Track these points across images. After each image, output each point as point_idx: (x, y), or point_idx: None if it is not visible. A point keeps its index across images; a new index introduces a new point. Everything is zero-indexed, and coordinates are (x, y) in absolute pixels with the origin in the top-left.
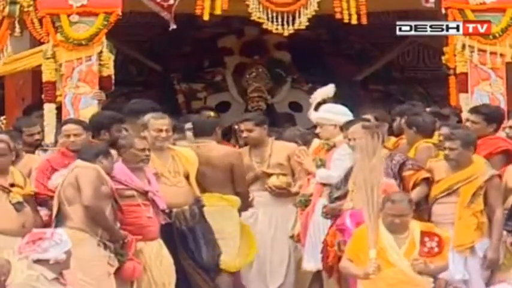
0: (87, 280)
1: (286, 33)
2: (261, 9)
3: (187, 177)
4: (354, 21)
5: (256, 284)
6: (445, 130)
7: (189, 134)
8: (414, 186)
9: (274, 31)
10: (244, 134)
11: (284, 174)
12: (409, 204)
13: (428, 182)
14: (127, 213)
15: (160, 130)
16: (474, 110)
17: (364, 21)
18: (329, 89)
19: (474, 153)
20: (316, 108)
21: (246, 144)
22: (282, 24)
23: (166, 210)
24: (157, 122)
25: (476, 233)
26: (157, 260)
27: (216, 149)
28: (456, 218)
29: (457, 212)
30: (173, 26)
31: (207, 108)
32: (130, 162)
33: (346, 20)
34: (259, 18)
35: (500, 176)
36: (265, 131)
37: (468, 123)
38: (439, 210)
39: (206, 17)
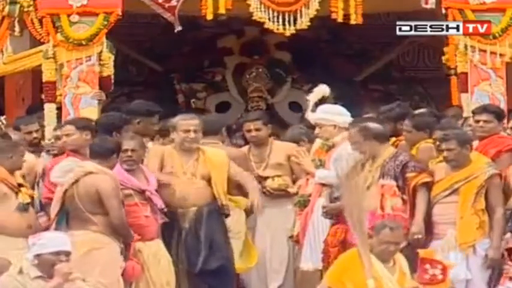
0: (103, 282)
1: (288, 33)
2: (262, 9)
3: (209, 179)
4: (353, 21)
5: (256, 284)
6: (438, 133)
7: None
8: (414, 188)
9: (275, 31)
10: (253, 133)
11: (279, 176)
12: (402, 232)
13: (428, 186)
14: (126, 214)
15: (188, 131)
16: (484, 110)
17: (359, 21)
18: (323, 89)
19: (472, 151)
20: (314, 109)
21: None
22: (284, 24)
23: (165, 209)
24: (185, 122)
25: (479, 232)
26: (155, 260)
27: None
28: (458, 217)
29: (458, 212)
30: (178, 28)
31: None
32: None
33: (340, 20)
34: (260, 18)
35: (500, 175)
36: (269, 131)
37: (480, 123)
38: (439, 210)
39: (210, 17)
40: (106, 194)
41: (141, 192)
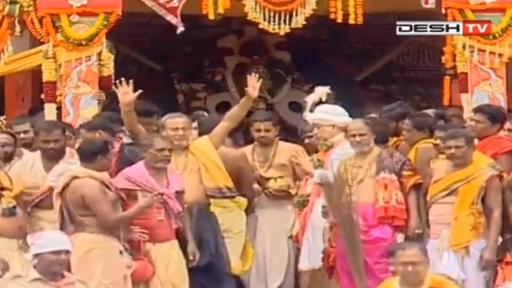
0: (104, 283)
1: (282, 33)
2: (258, 9)
3: (200, 174)
4: (352, 21)
5: (256, 284)
6: (439, 133)
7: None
8: (410, 188)
9: (271, 31)
10: (262, 134)
11: (281, 177)
12: (420, 251)
13: (419, 187)
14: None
15: (176, 129)
16: (478, 110)
17: (360, 21)
18: (322, 91)
19: (475, 152)
20: (312, 110)
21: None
22: (279, 24)
23: (182, 214)
24: (173, 121)
25: (472, 233)
26: (164, 262)
27: (223, 152)
28: (452, 217)
29: (453, 212)
30: (181, 29)
31: (202, 109)
32: (149, 162)
33: (339, 20)
34: (255, 18)
35: (500, 176)
36: (277, 132)
37: (472, 123)
38: (437, 211)
39: (211, 17)
40: (90, 199)
41: (157, 194)
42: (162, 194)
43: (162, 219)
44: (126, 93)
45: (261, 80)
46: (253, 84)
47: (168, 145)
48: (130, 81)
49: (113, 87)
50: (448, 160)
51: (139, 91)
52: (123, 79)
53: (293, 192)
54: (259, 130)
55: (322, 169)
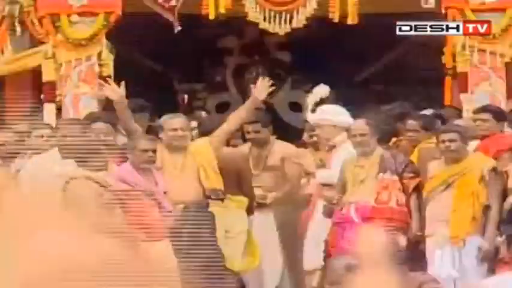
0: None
1: (282, 33)
2: (258, 9)
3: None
4: (350, 22)
5: (254, 284)
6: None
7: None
8: (412, 190)
9: (271, 31)
10: (252, 136)
11: (258, 186)
12: (344, 271)
13: (420, 188)
14: (132, 214)
15: (175, 129)
16: (481, 109)
17: (355, 21)
18: (323, 89)
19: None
20: (314, 110)
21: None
22: (280, 24)
23: (172, 212)
24: (172, 121)
25: (471, 225)
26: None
27: (223, 152)
28: (451, 209)
29: (452, 205)
30: (177, 28)
31: (202, 109)
32: (135, 163)
33: (336, 20)
34: (255, 18)
35: (495, 169)
36: (270, 132)
37: (478, 122)
38: (433, 208)
39: (212, 17)
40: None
41: (150, 193)
42: (153, 193)
43: (156, 217)
44: (113, 91)
45: (269, 85)
46: (263, 87)
47: (153, 146)
48: (111, 77)
49: (100, 86)
50: (441, 157)
51: (122, 82)
52: (107, 79)
53: (269, 201)
54: (248, 132)
55: (324, 169)
